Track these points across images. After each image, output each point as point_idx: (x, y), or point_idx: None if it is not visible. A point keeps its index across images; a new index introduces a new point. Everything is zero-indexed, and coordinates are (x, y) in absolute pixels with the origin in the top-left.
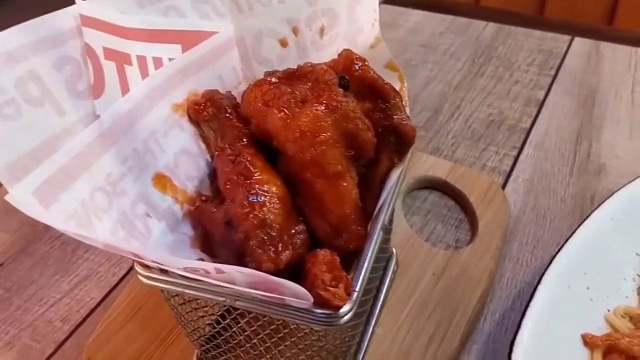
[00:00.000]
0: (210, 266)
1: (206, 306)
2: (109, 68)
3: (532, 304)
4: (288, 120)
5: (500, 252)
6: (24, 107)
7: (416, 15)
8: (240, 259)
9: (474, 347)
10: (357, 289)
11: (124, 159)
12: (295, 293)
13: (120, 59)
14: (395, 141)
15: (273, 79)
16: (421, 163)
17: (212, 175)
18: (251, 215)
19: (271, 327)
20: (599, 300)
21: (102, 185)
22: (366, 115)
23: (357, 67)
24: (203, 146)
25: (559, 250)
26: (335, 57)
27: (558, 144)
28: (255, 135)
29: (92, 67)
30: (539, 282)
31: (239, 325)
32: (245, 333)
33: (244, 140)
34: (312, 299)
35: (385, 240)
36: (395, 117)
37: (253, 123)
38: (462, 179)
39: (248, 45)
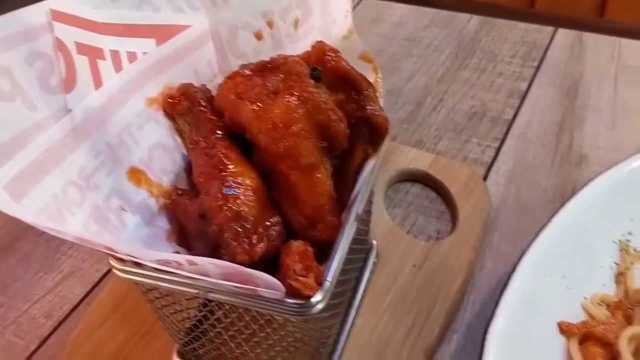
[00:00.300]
0: (182, 258)
1: (184, 299)
2: (81, 62)
3: (506, 292)
4: (260, 112)
5: (481, 242)
6: None
7: (401, 9)
8: (215, 252)
9: (454, 337)
10: (329, 279)
11: (96, 153)
12: (268, 284)
13: (93, 54)
14: (369, 132)
15: (246, 72)
16: (403, 156)
17: (188, 168)
18: (225, 208)
19: (250, 319)
20: (575, 289)
21: (74, 180)
22: (339, 107)
23: (330, 59)
24: (179, 140)
25: (534, 239)
26: (310, 49)
27: (540, 135)
28: (229, 127)
29: (64, 62)
30: (513, 271)
31: (217, 317)
32: (222, 325)
33: (219, 133)
34: (284, 290)
35: (364, 232)
36: (368, 108)
37: (226, 115)
38: (444, 171)
39: (223, 39)
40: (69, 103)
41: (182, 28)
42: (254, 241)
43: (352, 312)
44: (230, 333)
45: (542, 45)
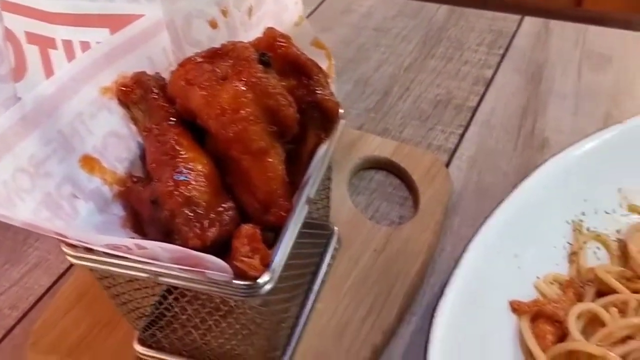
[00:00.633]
0: (130, 242)
1: (146, 287)
2: (32, 52)
3: (456, 271)
4: (209, 98)
5: (441, 226)
6: None
7: (370, 0)
8: (168, 237)
9: (412, 319)
10: (276, 260)
11: (47, 141)
12: (217, 267)
13: (44, 43)
14: (321, 117)
15: (197, 58)
16: (368, 144)
17: (143, 156)
18: (176, 193)
19: (208, 303)
20: (528, 268)
21: (24, 167)
22: (290, 92)
23: (280, 45)
24: (134, 128)
25: (486, 220)
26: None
27: (503, 121)
28: (181, 114)
29: (13, 51)
30: (464, 251)
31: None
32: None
33: (171, 120)
34: (231, 272)
35: (325, 218)
36: (318, 92)
37: (178, 102)
38: (407, 158)
39: (178, 28)
40: (19, 92)
41: (136, 17)
42: (206, 226)
43: (312, 297)
44: (188, 317)
45: (508, 33)
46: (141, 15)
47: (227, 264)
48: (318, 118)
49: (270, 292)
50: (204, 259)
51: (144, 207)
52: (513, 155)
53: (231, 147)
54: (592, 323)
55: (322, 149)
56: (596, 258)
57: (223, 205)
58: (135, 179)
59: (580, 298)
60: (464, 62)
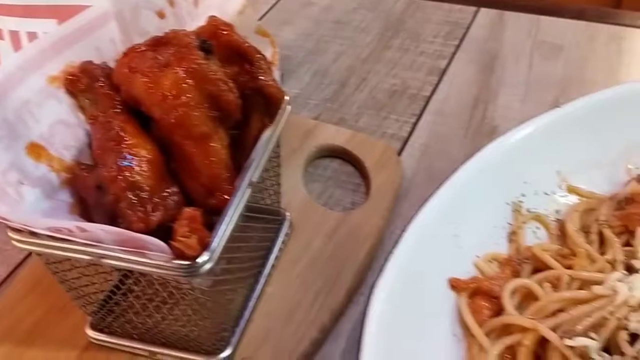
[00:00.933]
0: (72, 225)
1: (97, 272)
2: None
3: (396, 250)
4: (151, 85)
5: (390, 211)
6: None
7: None
8: (114, 222)
9: (361, 299)
10: (215, 241)
11: None
12: (158, 248)
13: None
14: (264, 103)
15: (142, 47)
16: (323, 133)
17: (91, 144)
18: (120, 178)
19: (158, 286)
20: (467, 248)
21: None
22: (233, 78)
23: (222, 32)
24: (82, 116)
25: (426, 201)
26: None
27: (455, 109)
28: (126, 101)
29: None
30: (404, 230)
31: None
32: (131, 293)
33: (117, 108)
34: (171, 252)
35: (275, 204)
36: (260, 79)
37: (122, 90)
38: (360, 146)
39: (127, 18)
40: None
41: (83, 8)
42: (150, 210)
43: (262, 280)
44: (138, 300)
45: (464, 25)
46: (89, 6)
47: (168, 246)
48: (261, 104)
49: (211, 272)
50: (145, 241)
51: (90, 193)
52: (463, 142)
53: (174, 133)
54: (527, 298)
55: (266, 134)
56: (536, 237)
57: (167, 190)
58: (83, 166)
59: (517, 275)
60: (420, 53)
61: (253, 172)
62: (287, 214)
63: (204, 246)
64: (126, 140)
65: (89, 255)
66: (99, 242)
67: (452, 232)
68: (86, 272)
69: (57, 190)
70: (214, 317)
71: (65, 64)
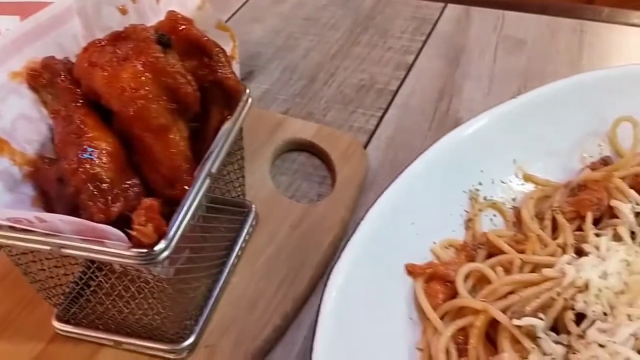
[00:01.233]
0: (31, 215)
1: (60, 266)
2: None
3: (353, 237)
4: (110, 78)
5: (355, 202)
6: None
7: None
8: (75, 213)
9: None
10: (173, 230)
11: None
12: (117, 237)
13: None
14: (223, 95)
15: (102, 42)
16: (291, 127)
17: (54, 138)
18: (80, 170)
19: (122, 277)
20: (424, 235)
21: None
22: (192, 72)
23: (181, 27)
24: (44, 111)
25: (384, 190)
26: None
27: (421, 102)
28: (87, 95)
29: None
30: (362, 218)
31: (90, 278)
32: (95, 284)
33: (78, 102)
34: (128, 241)
35: (240, 196)
36: (219, 72)
37: (83, 84)
38: (327, 139)
39: (89, 14)
40: None
41: (46, 4)
42: (110, 201)
43: (226, 270)
44: (103, 291)
45: (431, 20)
46: (52, 2)
47: (127, 235)
48: (220, 96)
49: (171, 261)
50: (104, 230)
51: (52, 186)
52: (427, 134)
53: (133, 125)
54: (481, 282)
55: (226, 126)
56: (492, 224)
57: (128, 181)
58: (46, 160)
59: (472, 260)
60: (388, 49)
61: (212, 163)
62: (253, 206)
63: (161, 235)
64: (87, 133)
65: (48, 245)
66: (59, 232)
67: (410, 219)
68: (53, 264)
69: (20, 184)
70: (177, 307)
71: (27, 59)
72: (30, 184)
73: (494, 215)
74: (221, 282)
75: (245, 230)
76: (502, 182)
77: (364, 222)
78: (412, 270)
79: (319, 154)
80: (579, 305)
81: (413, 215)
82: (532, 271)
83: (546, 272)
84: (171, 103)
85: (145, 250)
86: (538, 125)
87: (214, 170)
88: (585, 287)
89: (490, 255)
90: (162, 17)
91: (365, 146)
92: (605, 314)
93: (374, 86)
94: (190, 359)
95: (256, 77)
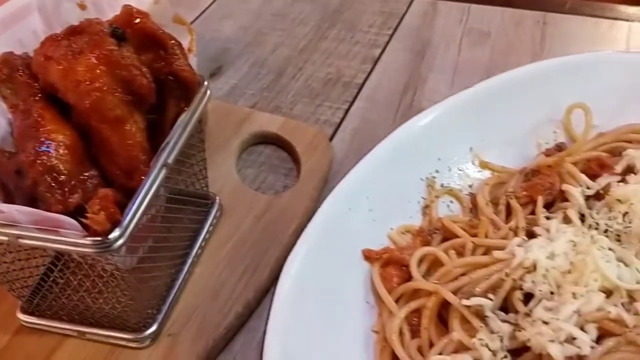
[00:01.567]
0: None
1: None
2: None
3: (310, 225)
4: (65, 71)
5: (319, 192)
6: None
7: None
8: (34, 205)
9: None
10: (127, 218)
11: None
12: (72, 226)
13: None
14: (179, 87)
15: (58, 36)
16: (258, 120)
17: (13, 132)
18: (38, 162)
19: (86, 267)
20: (382, 221)
21: None
22: (148, 65)
23: (136, 20)
24: (4, 106)
25: (341, 178)
26: None
27: (386, 95)
28: (45, 89)
29: None
30: (319, 207)
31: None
32: (59, 276)
33: (36, 96)
34: (83, 230)
35: (203, 188)
36: (175, 64)
37: (40, 78)
38: (292, 132)
39: (49, 10)
40: None
41: (5, 1)
42: (68, 192)
43: (189, 261)
44: (66, 282)
45: (398, 14)
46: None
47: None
48: (176, 88)
49: (128, 250)
50: (60, 220)
51: (11, 178)
52: (392, 126)
53: (90, 117)
54: (435, 265)
55: (182, 117)
56: (449, 210)
57: (86, 173)
58: (5, 154)
59: (427, 245)
60: (355, 43)
61: (168, 153)
62: (217, 198)
63: (115, 223)
64: (44, 127)
65: (6, 236)
66: (16, 223)
67: (367, 206)
68: (15, 256)
69: None
70: (139, 296)
71: None
72: None
73: (451, 202)
74: (184, 272)
75: (209, 222)
76: (459, 170)
77: (320, 210)
78: (368, 256)
79: (285, 146)
80: (527, 285)
81: (370, 203)
82: (485, 254)
83: (496, 254)
84: (126, 95)
85: (99, 239)
86: (494, 113)
87: (170, 160)
88: (533, 268)
89: (445, 240)
90: (119, 12)
91: (331, 138)
92: (552, 293)
93: (340, 80)
94: (153, 347)
95: (225, 72)
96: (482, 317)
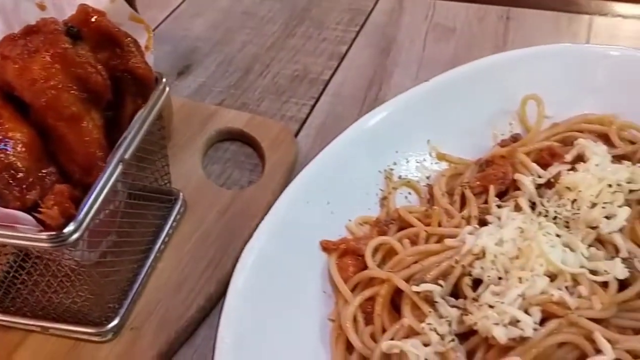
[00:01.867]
0: None
1: None
2: None
3: (266, 218)
4: (21, 70)
5: (283, 187)
6: None
7: None
8: None
9: None
10: (82, 213)
11: None
12: (29, 222)
13: None
14: (136, 84)
15: (15, 36)
16: (224, 117)
17: None
18: None
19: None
20: (340, 213)
21: None
22: (105, 62)
23: (92, 19)
24: None
25: (299, 172)
26: None
27: (352, 90)
28: (2, 88)
29: None
30: (276, 199)
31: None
32: (21, 272)
33: None
34: (39, 225)
35: (166, 184)
36: (130, 61)
37: None
38: (258, 128)
39: (8, 10)
40: None
41: None
42: (26, 189)
43: (152, 256)
44: (29, 277)
45: (365, 11)
46: None
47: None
48: (133, 85)
49: (87, 245)
50: (16, 216)
51: None
52: (356, 120)
53: (47, 115)
54: (390, 254)
55: (139, 114)
56: (407, 202)
57: (44, 170)
58: None
59: (384, 235)
60: (323, 40)
61: (125, 149)
62: (181, 193)
63: (69, 218)
64: (2, 125)
65: None
66: None
67: (326, 199)
68: None
69: None
70: (101, 291)
71: None
72: None
73: (409, 193)
74: (147, 267)
75: (173, 218)
76: (417, 162)
77: (277, 203)
78: (326, 247)
79: (251, 142)
80: (476, 271)
81: (328, 195)
82: (438, 242)
83: (448, 241)
84: (82, 92)
85: (53, 233)
86: (451, 106)
87: (127, 156)
88: (482, 254)
89: (401, 230)
90: None
91: (297, 134)
92: (500, 278)
93: (307, 76)
94: (115, 341)
95: (193, 70)
96: (432, 303)
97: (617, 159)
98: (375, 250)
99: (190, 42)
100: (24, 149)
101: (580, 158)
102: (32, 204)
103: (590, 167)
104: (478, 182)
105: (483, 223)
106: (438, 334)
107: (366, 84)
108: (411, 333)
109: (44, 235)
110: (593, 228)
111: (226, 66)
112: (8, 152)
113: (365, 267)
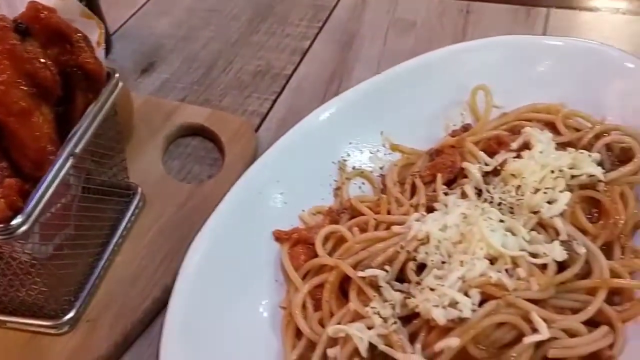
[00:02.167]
0: None
1: None
2: None
3: (217, 208)
4: None
5: None
6: None
7: None
8: None
9: None
10: (30, 206)
11: None
12: None
13: None
14: (87, 79)
15: None
16: (185, 112)
17: None
18: None
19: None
20: (293, 203)
21: None
22: (55, 58)
23: (42, 16)
24: None
25: (252, 164)
26: None
27: (313, 85)
28: None
29: None
30: (228, 191)
31: None
32: None
33: None
34: None
35: (123, 178)
36: (80, 57)
37: None
38: (218, 123)
39: None
40: None
41: None
42: None
43: (109, 249)
44: None
45: (328, 8)
46: None
47: None
48: (84, 80)
49: (40, 238)
50: None
51: None
52: None
53: None
54: (340, 242)
55: (90, 109)
56: (361, 192)
57: None
58: None
59: (336, 224)
60: (286, 36)
61: (75, 143)
62: (139, 188)
63: (17, 211)
64: None
65: None
66: None
67: (279, 189)
68: None
69: None
70: (56, 284)
71: None
72: None
73: (363, 184)
74: (104, 260)
75: (131, 212)
76: (371, 153)
77: (228, 194)
78: (278, 236)
79: (211, 137)
80: (420, 256)
81: (282, 186)
82: (387, 230)
83: (394, 228)
84: (31, 87)
85: (0, 225)
86: (404, 97)
87: (77, 150)
88: (427, 240)
89: (353, 218)
90: None
91: (258, 128)
92: (443, 262)
93: (270, 71)
94: (71, 333)
95: (157, 67)
96: (377, 288)
97: (563, 146)
98: (326, 239)
99: (155, 40)
100: None
101: (526, 146)
102: None
103: (535, 154)
104: (428, 171)
105: (431, 210)
106: (381, 317)
107: (327, 78)
108: (357, 317)
109: None
110: (535, 213)
111: (190, 63)
112: None
113: (316, 256)
